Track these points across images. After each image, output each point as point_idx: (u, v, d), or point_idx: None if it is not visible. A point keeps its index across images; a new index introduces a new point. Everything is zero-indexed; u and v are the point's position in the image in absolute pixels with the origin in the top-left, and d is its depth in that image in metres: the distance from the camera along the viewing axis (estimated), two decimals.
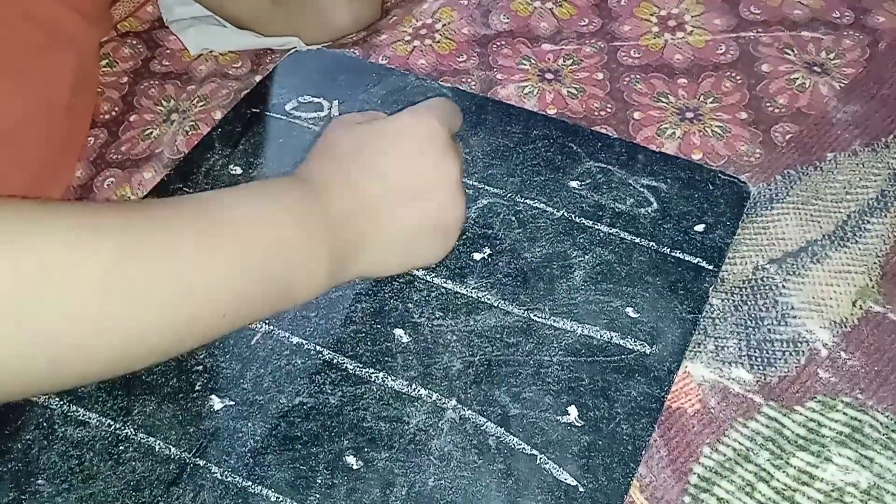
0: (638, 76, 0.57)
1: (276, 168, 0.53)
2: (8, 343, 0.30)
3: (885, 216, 0.48)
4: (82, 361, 0.32)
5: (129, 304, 0.32)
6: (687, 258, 0.47)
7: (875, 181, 0.50)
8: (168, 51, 0.63)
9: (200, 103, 0.58)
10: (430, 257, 0.44)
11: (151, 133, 0.57)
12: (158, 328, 0.33)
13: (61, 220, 0.31)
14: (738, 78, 0.56)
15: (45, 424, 0.41)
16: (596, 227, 0.48)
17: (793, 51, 0.58)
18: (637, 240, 0.48)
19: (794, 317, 0.44)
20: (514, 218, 0.49)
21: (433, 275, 0.47)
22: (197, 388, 0.42)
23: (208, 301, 0.34)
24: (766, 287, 0.46)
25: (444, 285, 0.46)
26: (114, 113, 0.59)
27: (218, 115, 0.57)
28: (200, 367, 0.43)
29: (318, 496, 0.39)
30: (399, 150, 0.41)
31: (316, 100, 0.57)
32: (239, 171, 0.53)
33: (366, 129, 0.41)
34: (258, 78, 0.59)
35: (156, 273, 0.33)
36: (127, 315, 0.32)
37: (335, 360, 0.43)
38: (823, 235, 0.48)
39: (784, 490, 0.39)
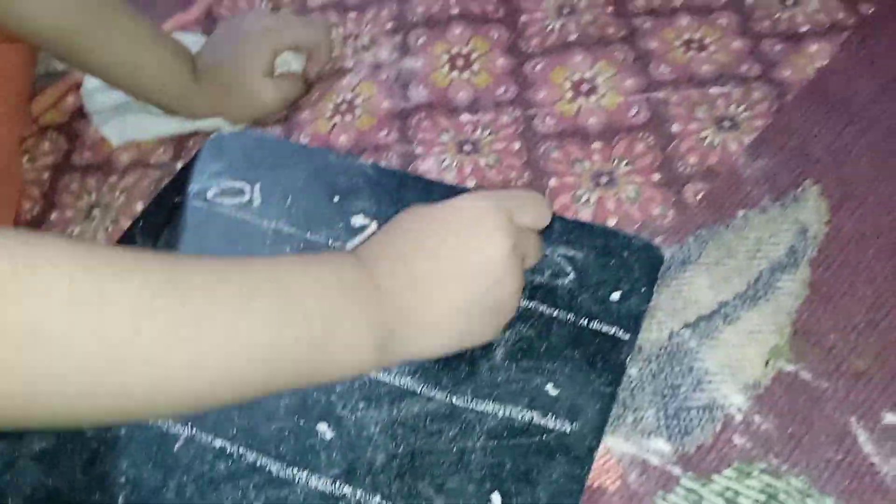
0: (553, 143, 0.58)
1: None
2: (27, 371, 0.30)
3: (795, 272, 0.50)
4: (102, 397, 0.32)
5: (156, 345, 0.32)
6: (604, 329, 0.47)
7: (785, 236, 0.51)
8: (89, 141, 0.63)
9: (122, 196, 0.58)
10: (482, 336, 0.44)
11: (73, 232, 0.57)
12: (185, 374, 0.33)
13: (98, 257, 0.32)
14: (650, 139, 0.58)
15: None
16: None
17: (702, 108, 0.59)
18: (555, 312, 0.48)
19: (710, 382, 0.45)
20: None
21: None
22: (119, 501, 0.42)
23: (240, 354, 0.34)
24: (682, 353, 0.47)
25: (367, 374, 0.46)
26: (35, 212, 0.59)
27: (139, 207, 0.57)
28: (123, 479, 0.43)
29: None
30: (450, 228, 0.42)
31: (237, 184, 0.57)
32: None
33: (426, 211, 0.44)
34: (180, 164, 0.59)
35: (187, 317, 0.33)
36: (153, 356, 0.32)
37: (258, 463, 0.43)
38: (735, 295, 0.49)
39: None
